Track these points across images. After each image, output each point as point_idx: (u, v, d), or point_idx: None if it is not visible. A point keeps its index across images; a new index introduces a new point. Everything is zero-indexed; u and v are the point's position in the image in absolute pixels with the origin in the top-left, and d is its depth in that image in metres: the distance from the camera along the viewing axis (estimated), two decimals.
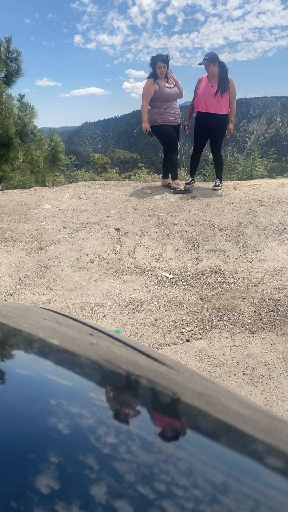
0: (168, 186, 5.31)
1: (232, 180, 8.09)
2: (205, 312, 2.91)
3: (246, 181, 6.44)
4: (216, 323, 2.75)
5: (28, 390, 0.57)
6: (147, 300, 3.10)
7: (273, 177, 8.03)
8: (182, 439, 0.50)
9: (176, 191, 5.11)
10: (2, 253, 3.70)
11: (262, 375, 2.21)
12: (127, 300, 3.08)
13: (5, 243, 3.86)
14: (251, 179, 7.19)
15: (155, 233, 4.09)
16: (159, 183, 5.69)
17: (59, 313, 1.05)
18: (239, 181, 6.31)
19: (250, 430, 0.59)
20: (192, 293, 3.24)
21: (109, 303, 3.04)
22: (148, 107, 4.90)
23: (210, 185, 5.61)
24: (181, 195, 5.05)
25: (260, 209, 4.58)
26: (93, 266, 3.63)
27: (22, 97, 7.13)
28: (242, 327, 2.69)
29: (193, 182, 5.28)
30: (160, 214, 4.46)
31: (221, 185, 5.31)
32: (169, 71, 4.89)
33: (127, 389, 0.65)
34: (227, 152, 11.83)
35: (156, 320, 2.81)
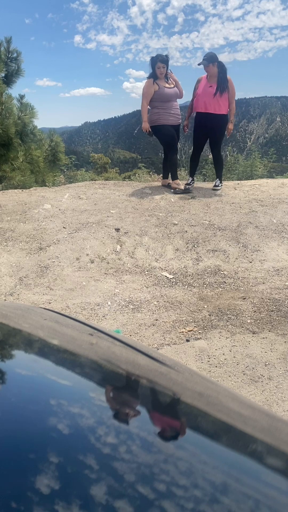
0: (168, 186, 5.31)
1: (232, 180, 8.09)
2: (205, 312, 2.91)
3: (246, 181, 6.44)
4: (216, 323, 2.75)
5: (28, 390, 0.57)
6: (147, 300, 3.10)
7: (273, 177, 8.03)
8: (182, 439, 0.50)
9: (176, 191, 5.11)
10: (2, 253, 3.70)
11: (262, 375, 2.21)
12: (127, 300, 3.08)
13: (5, 243, 3.86)
14: (251, 179, 7.19)
15: (155, 233, 4.09)
16: (159, 183, 5.69)
17: (59, 313, 1.05)
18: (239, 181, 6.31)
19: (250, 430, 0.59)
20: (192, 293, 3.24)
21: (109, 303, 3.04)
22: (148, 107, 4.91)
23: (210, 185, 5.61)
24: (181, 195, 5.05)
25: (260, 209, 4.58)
26: (93, 266, 3.63)
27: (22, 97, 7.14)
28: (242, 327, 2.69)
29: (193, 182, 5.28)
30: (160, 214, 4.46)
31: (221, 185, 5.31)
32: (169, 71, 4.89)
33: (127, 389, 0.65)
34: (227, 152, 11.83)
35: (156, 320, 2.81)
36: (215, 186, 5.28)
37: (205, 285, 3.36)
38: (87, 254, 3.75)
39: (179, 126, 5.10)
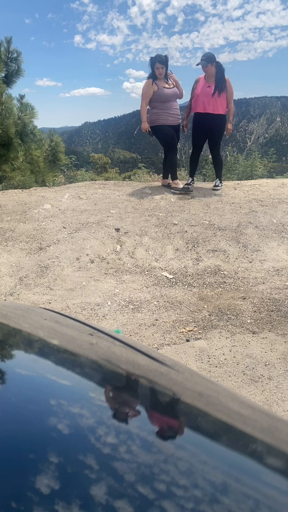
0: (168, 186, 5.31)
1: (232, 180, 8.09)
2: (205, 312, 2.91)
3: (246, 181, 6.44)
4: (216, 323, 2.75)
5: (28, 390, 0.57)
6: (147, 300, 3.10)
7: (273, 177, 8.03)
8: (182, 439, 0.50)
9: (176, 191, 5.11)
10: (2, 253, 3.70)
11: (262, 375, 2.21)
12: (127, 300, 3.08)
13: (5, 243, 3.86)
14: (251, 179, 7.19)
15: (155, 233, 4.09)
16: (159, 183, 5.69)
17: (59, 313, 1.05)
18: (239, 181, 6.31)
19: (250, 430, 0.59)
20: (192, 293, 3.24)
21: (109, 303, 3.04)
22: (148, 107, 4.92)
23: (210, 185, 5.61)
24: (181, 195, 5.06)
25: (260, 209, 4.58)
26: (93, 266, 3.63)
27: (22, 97, 7.14)
28: (242, 327, 2.69)
29: (193, 183, 5.28)
30: (160, 214, 4.46)
31: (221, 185, 5.31)
32: (169, 71, 4.89)
33: (127, 389, 0.65)
34: (227, 152, 11.83)
35: (156, 320, 2.81)
36: (215, 186, 5.28)
37: (205, 285, 3.36)
38: (87, 254, 3.75)
39: (179, 126, 5.10)
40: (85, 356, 0.77)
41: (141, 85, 5.22)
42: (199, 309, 2.95)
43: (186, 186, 5.13)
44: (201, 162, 9.07)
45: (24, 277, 3.39)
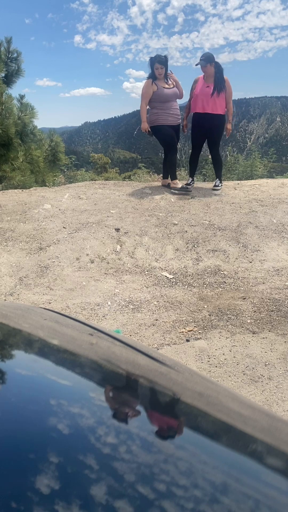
0: (168, 186, 5.31)
1: (232, 180, 8.09)
2: (205, 312, 2.91)
3: (246, 181, 6.44)
4: (216, 323, 2.75)
5: (28, 390, 0.57)
6: (147, 300, 3.10)
7: (273, 177, 8.03)
8: (182, 439, 0.50)
9: (175, 191, 5.11)
10: (2, 253, 3.70)
11: (262, 375, 2.21)
12: (127, 300, 3.08)
13: (5, 243, 3.86)
14: (251, 179, 7.19)
15: (155, 233, 4.09)
16: (159, 183, 5.69)
17: (59, 313, 1.05)
18: (239, 181, 6.31)
19: (250, 430, 0.59)
20: (192, 293, 3.24)
21: (109, 303, 3.04)
22: (148, 107, 4.92)
23: (210, 185, 5.61)
24: (181, 195, 5.06)
25: (260, 209, 4.58)
26: (93, 266, 3.63)
27: (22, 97, 7.14)
28: (242, 327, 2.69)
29: (193, 183, 5.29)
30: (160, 214, 4.46)
31: (221, 185, 5.31)
32: (169, 71, 4.89)
33: (127, 389, 0.65)
34: (227, 152, 11.84)
35: (156, 320, 2.81)
36: (215, 186, 5.28)
37: (205, 285, 3.37)
38: (87, 254, 3.75)
39: (178, 126, 5.10)
40: (85, 356, 0.77)
41: (141, 85, 5.23)
42: (199, 309, 2.95)
43: (185, 186, 5.13)
44: (201, 162, 9.08)
45: (24, 277, 3.39)
